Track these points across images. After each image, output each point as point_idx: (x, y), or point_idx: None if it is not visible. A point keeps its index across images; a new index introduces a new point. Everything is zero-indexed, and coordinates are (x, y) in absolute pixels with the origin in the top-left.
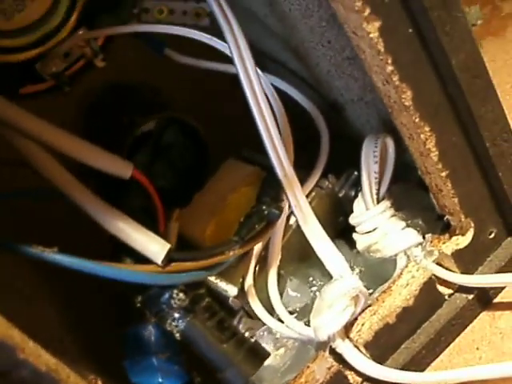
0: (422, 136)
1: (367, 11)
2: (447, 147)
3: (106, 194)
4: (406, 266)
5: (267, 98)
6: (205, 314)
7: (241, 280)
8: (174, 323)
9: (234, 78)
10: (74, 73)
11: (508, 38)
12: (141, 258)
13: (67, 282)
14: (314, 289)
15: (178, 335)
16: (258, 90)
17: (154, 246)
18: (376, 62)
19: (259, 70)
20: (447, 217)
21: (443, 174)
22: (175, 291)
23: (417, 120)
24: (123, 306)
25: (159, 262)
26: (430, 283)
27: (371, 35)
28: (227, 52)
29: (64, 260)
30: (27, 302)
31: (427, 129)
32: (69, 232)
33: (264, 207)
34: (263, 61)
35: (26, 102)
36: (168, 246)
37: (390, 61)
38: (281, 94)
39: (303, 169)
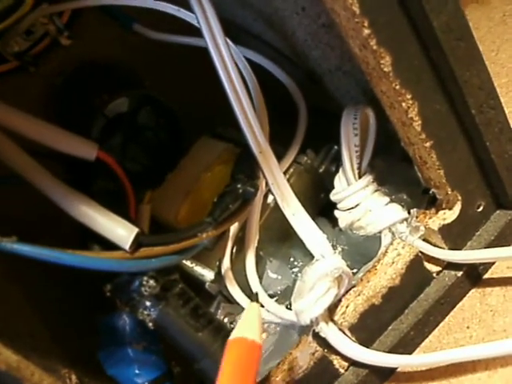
0: (403, 104)
1: None
2: (431, 116)
3: (78, 180)
4: (391, 244)
5: (240, 71)
6: (178, 300)
7: (217, 263)
8: (145, 312)
9: (208, 52)
10: (38, 52)
11: (492, 5)
12: (110, 245)
13: (37, 273)
14: (296, 270)
15: (150, 324)
16: (229, 62)
17: (121, 231)
18: (352, 26)
19: (230, 42)
20: (433, 190)
21: (427, 144)
22: (145, 278)
23: (397, 87)
24: (97, 295)
25: (127, 247)
26: (417, 261)
27: None
28: (195, 23)
29: (24, 249)
30: None
31: (409, 96)
32: (36, 221)
33: (239, 185)
34: (236, 33)
35: None
36: (136, 230)
37: (366, 23)
38: (255, 67)
39: (280, 145)
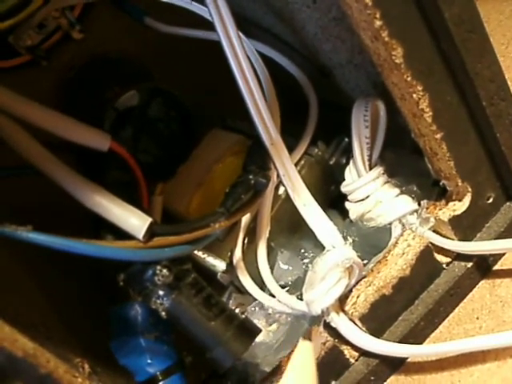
0: (414, 96)
1: None
2: (441, 107)
3: (90, 171)
4: (402, 235)
5: (251, 63)
6: (191, 290)
7: (229, 254)
8: (158, 301)
9: (218, 46)
10: (51, 46)
11: None
12: (124, 235)
13: (50, 263)
14: (306, 261)
15: (163, 313)
16: (241, 54)
17: (134, 220)
18: (363, 17)
19: (242, 35)
20: (443, 182)
21: (438, 135)
22: (158, 267)
23: (409, 79)
24: (110, 285)
25: (140, 236)
26: (427, 252)
27: None
28: (207, 17)
29: (39, 238)
30: (8, 287)
31: (420, 88)
32: (49, 211)
33: (250, 176)
34: (247, 27)
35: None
36: (149, 219)
37: (378, 15)
38: (266, 60)
39: (291, 137)
